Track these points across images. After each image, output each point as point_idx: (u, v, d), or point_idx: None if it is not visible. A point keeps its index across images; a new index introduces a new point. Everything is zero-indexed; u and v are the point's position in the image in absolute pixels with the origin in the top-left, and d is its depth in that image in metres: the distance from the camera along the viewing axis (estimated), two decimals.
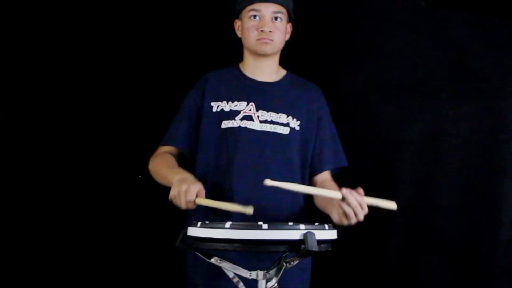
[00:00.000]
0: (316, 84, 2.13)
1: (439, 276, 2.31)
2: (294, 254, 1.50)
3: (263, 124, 1.96)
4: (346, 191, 1.61)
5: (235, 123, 1.96)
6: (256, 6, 1.97)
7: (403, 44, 2.43)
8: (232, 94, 2.00)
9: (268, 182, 1.51)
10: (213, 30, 2.46)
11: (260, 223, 1.48)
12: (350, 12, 2.50)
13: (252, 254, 1.74)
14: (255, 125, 1.96)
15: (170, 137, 2.04)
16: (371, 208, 1.65)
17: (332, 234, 1.55)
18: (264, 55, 2.00)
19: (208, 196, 1.73)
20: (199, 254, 1.61)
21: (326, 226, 1.54)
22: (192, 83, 2.08)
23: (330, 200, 1.71)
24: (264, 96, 2.00)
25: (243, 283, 1.63)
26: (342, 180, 2.00)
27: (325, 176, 2.03)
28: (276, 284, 1.57)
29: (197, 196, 1.68)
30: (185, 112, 2.04)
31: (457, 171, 2.33)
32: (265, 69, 2.04)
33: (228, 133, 1.96)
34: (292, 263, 1.56)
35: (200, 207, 1.72)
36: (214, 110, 2.00)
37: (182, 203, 1.68)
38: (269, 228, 1.45)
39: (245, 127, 1.95)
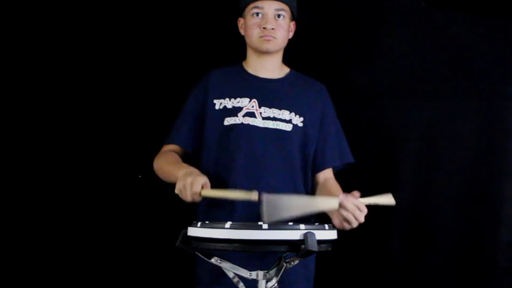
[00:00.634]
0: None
1: (439, 276, 2.32)
2: (294, 254, 1.50)
3: (266, 121, 1.96)
4: (342, 197, 1.63)
5: (238, 119, 1.96)
6: (259, 3, 1.96)
7: (403, 44, 2.44)
8: (235, 91, 2.00)
9: (265, 197, 1.51)
10: (217, 28, 2.46)
11: (260, 223, 1.48)
12: (351, 12, 2.50)
13: (252, 254, 1.74)
14: (258, 122, 1.95)
15: (173, 135, 2.04)
16: (370, 208, 1.66)
17: (332, 234, 1.55)
18: (266, 53, 2.00)
19: None
20: (199, 254, 1.61)
21: (326, 226, 1.54)
22: (195, 82, 2.08)
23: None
24: (267, 92, 2.00)
25: (243, 283, 1.63)
26: (342, 179, 2.00)
27: (327, 174, 2.02)
28: (276, 284, 1.57)
29: (202, 188, 1.69)
30: (188, 110, 2.04)
31: (457, 171, 2.33)
32: (268, 66, 2.04)
33: (230, 130, 1.96)
34: (292, 263, 1.56)
35: (204, 202, 1.72)
36: (217, 107, 2.00)
37: (188, 196, 1.69)
38: (269, 228, 1.44)
39: (248, 124, 1.95)
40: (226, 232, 1.46)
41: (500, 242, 2.26)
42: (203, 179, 1.70)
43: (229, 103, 1.99)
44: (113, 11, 2.53)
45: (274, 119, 1.96)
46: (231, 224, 1.47)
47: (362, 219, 1.65)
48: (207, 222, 1.56)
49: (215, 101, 2.00)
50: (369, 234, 2.17)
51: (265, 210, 1.51)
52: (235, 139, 1.94)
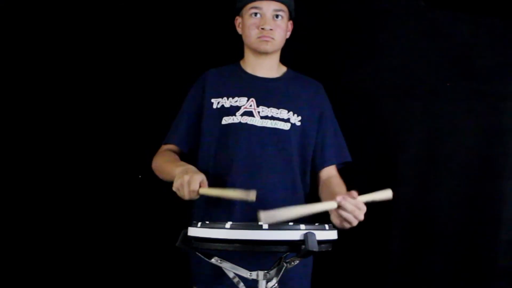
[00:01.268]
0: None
1: (439, 276, 2.32)
2: (295, 254, 1.50)
3: (264, 120, 1.96)
4: (339, 198, 1.63)
5: (236, 119, 1.96)
6: (257, 3, 1.96)
7: (403, 44, 2.44)
8: (233, 90, 2.00)
9: (262, 215, 1.50)
10: (214, 27, 2.46)
11: (260, 223, 1.48)
12: (350, 12, 2.50)
13: (253, 254, 1.74)
14: (256, 121, 1.95)
15: (171, 135, 2.04)
16: (371, 208, 1.66)
17: (332, 234, 1.55)
18: (264, 53, 2.00)
19: None
20: (200, 254, 1.61)
21: (327, 226, 1.54)
22: (193, 81, 2.08)
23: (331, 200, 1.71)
24: (264, 91, 2.00)
25: (244, 283, 1.63)
26: (342, 179, 2.00)
27: (331, 172, 2.02)
28: (276, 284, 1.57)
29: (200, 186, 1.69)
30: (186, 110, 2.05)
31: (457, 171, 2.33)
32: (265, 66, 2.04)
33: (228, 129, 1.96)
34: (293, 263, 1.56)
35: (202, 201, 1.71)
36: (214, 106, 2.00)
37: (186, 193, 1.69)
38: (269, 228, 1.44)
39: (246, 123, 1.95)
40: (226, 232, 1.46)
41: (500, 242, 2.26)
42: (201, 177, 1.71)
43: (227, 102, 1.99)
44: (112, 11, 2.53)
45: (272, 118, 1.96)
46: (231, 224, 1.47)
47: (361, 218, 1.65)
48: (207, 222, 1.56)
49: (213, 100, 2.01)
50: (369, 234, 2.18)
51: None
52: (233, 138, 1.94)
